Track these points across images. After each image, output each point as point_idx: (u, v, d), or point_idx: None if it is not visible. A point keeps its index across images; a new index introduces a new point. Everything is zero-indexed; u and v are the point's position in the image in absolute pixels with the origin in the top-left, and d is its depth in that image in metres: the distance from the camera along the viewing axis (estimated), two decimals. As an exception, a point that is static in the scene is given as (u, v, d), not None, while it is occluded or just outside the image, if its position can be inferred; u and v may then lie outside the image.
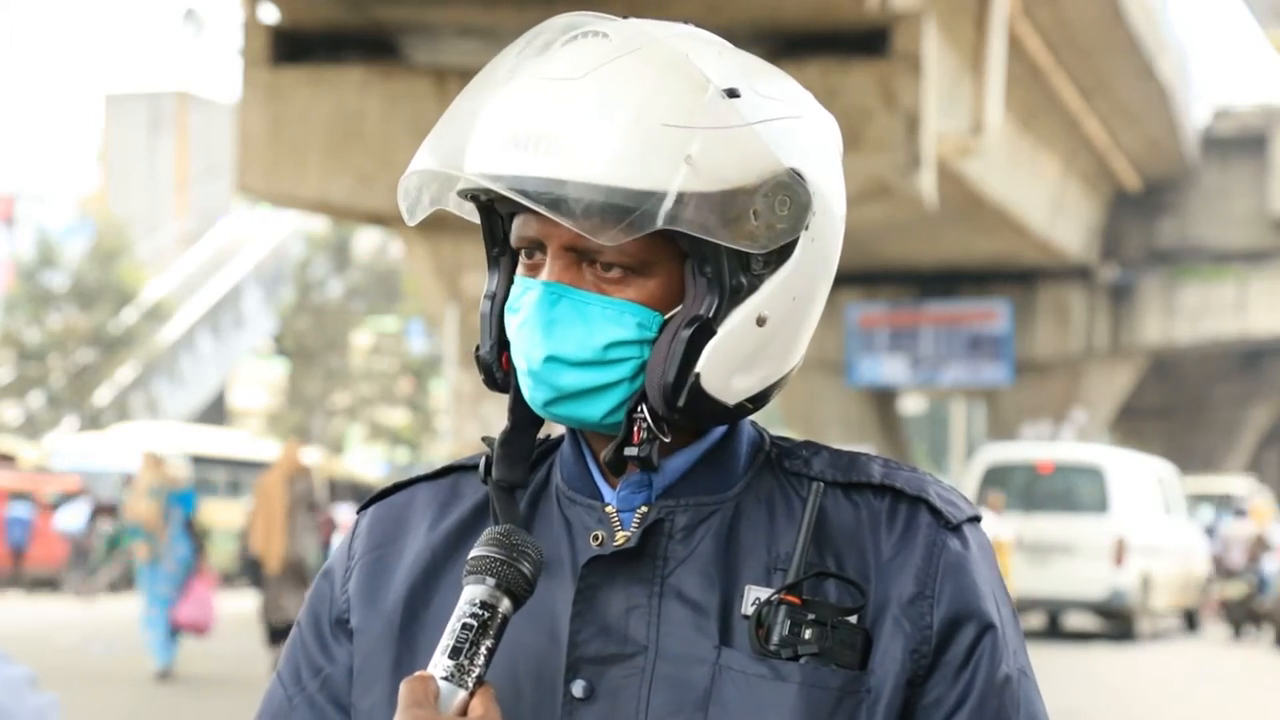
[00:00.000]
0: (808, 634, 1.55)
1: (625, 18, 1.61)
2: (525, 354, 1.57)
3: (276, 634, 16.08)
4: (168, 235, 50.94)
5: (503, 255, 1.64)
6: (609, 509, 1.62)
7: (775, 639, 1.55)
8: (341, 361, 48.10)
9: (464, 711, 1.49)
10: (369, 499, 1.74)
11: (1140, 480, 23.33)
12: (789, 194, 1.56)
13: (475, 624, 1.50)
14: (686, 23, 1.63)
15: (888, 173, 19.67)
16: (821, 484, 1.61)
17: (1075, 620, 23.39)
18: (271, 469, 17.04)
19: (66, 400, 43.10)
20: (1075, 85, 30.21)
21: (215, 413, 46.73)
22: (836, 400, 37.30)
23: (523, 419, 1.64)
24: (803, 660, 1.55)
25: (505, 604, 1.52)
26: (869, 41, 19.77)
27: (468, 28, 20.20)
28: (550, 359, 1.55)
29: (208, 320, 45.81)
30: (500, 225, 1.63)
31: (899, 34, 19.75)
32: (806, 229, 1.58)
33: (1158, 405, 46.82)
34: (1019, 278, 36.66)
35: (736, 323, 1.56)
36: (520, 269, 1.61)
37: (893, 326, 35.96)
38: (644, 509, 1.61)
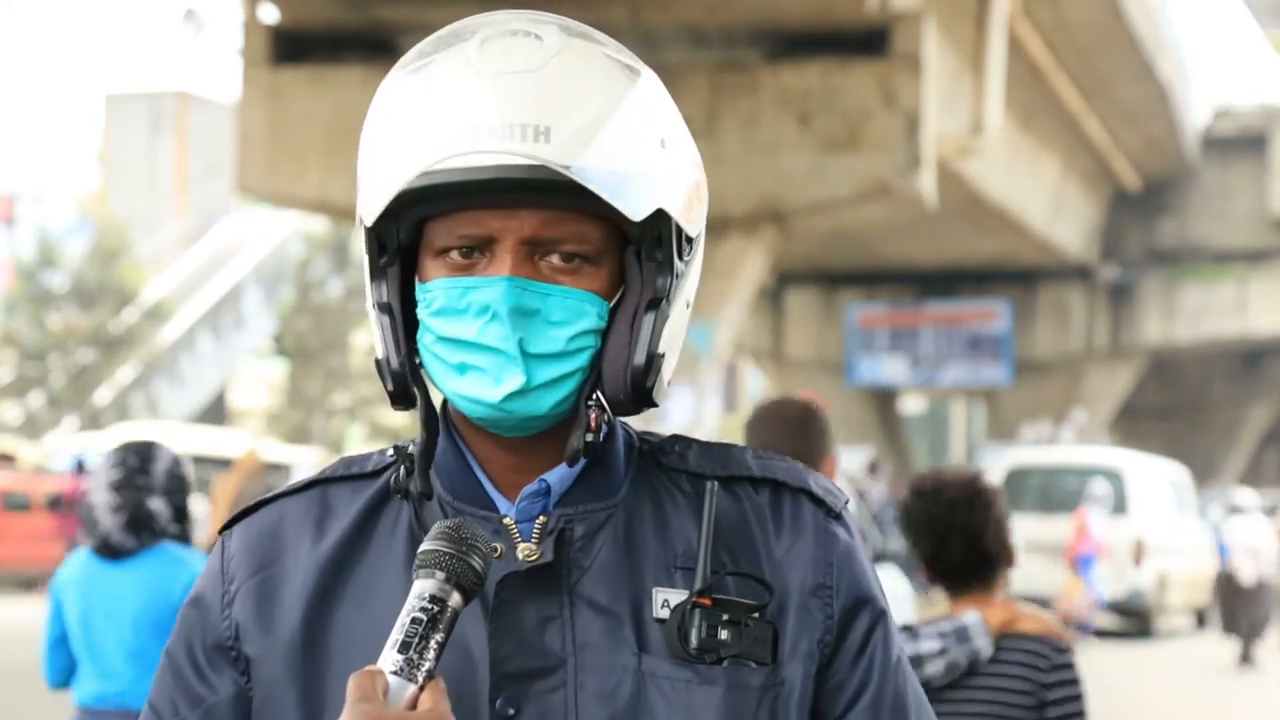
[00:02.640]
0: (724, 635, 1.56)
1: (562, 16, 1.61)
2: (485, 351, 1.55)
3: None
4: (168, 235, 50.93)
5: (390, 265, 1.60)
6: (506, 520, 1.59)
7: (694, 643, 1.55)
8: (341, 361, 48.06)
9: (414, 706, 1.47)
10: (230, 519, 1.68)
11: (1156, 483, 23.70)
12: (701, 178, 1.63)
13: (425, 618, 1.49)
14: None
15: (888, 173, 19.67)
16: (716, 482, 1.61)
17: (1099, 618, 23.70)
18: (231, 471, 18.97)
19: (66, 400, 43.08)
20: (1075, 85, 30.21)
21: (215, 413, 46.71)
22: (836, 400, 37.31)
23: (435, 428, 1.63)
24: (725, 662, 1.55)
25: (455, 598, 1.50)
26: (869, 41, 19.77)
27: (468, 28, 20.21)
28: (521, 354, 1.55)
29: (208, 320, 45.79)
30: (395, 234, 1.59)
31: (899, 34, 19.75)
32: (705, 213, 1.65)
33: (1158, 405, 46.80)
34: (1019, 278, 36.66)
35: (678, 305, 1.59)
36: (443, 270, 1.57)
37: (893, 326, 35.97)
38: (542, 519, 1.59)
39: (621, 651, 1.56)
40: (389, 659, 1.49)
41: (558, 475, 1.60)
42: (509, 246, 1.54)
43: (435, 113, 1.55)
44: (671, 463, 1.64)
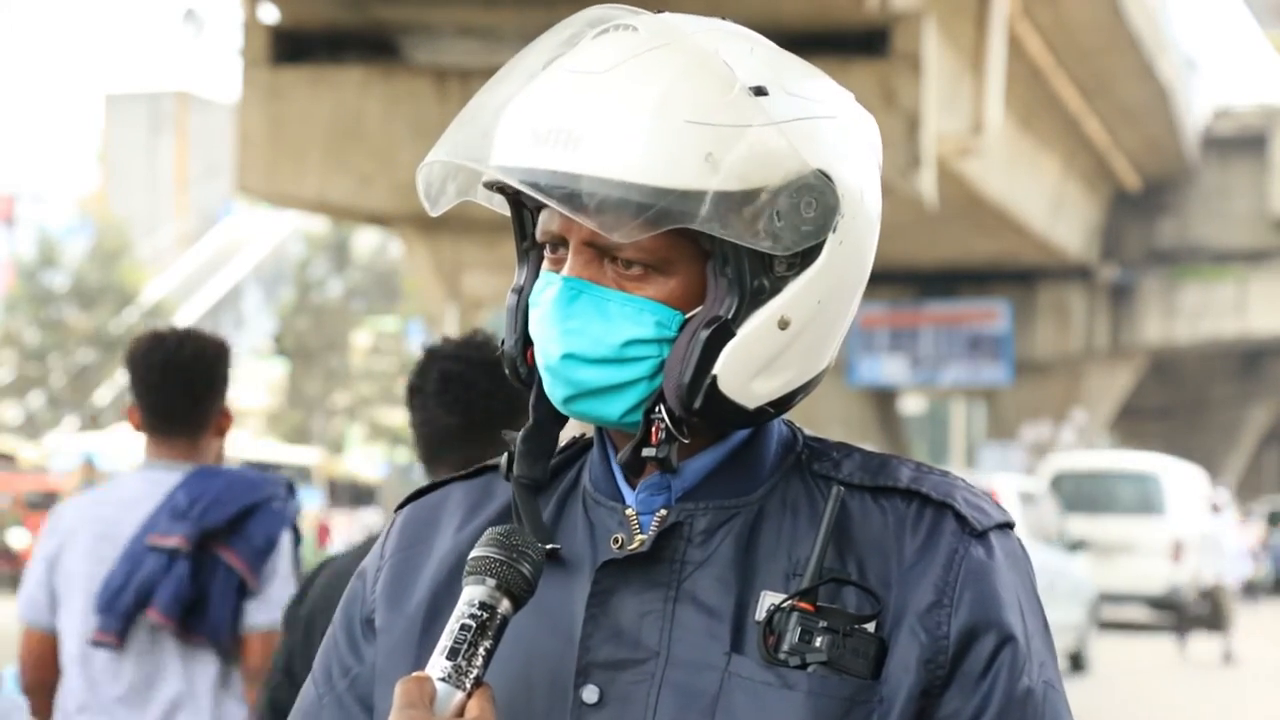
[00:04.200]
0: (818, 641, 1.51)
1: (659, 11, 1.59)
2: (543, 350, 1.54)
3: None
4: (168, 235, 50.95)
5: (532, 249, 1.60)
6: (629, 512, 1.58)
7: (785, 646, 1.52)
8: (341, 361, 48.09)
9: (460, 713, 1.46)
10: (406, 498, 1.71)
11: (1189, 485, 24.97)
12: (815, 196, 1.53)
13: (474, 625, 1.48)
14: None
15: (888, 173, 19.48)
16: (841, 488, 1.57)
17: (1130, 613, 24.41)
18: None
19: (66, 400, 43.10)
20: (1075, 85, 30.21)
21: (215, 413, 46.71)
22: (837, 400, 37.30)
23: (545, 416, 1.61)
24: (810, 668, 1.51)
25: (505, 605, 1.50)
26: (869, 41, 19.77)
27: (468, 28, 20.20)
28: (568, 355, 1.53)
29: (208, 320, 45.81)
30: (530, 218, 1.60)
31: (899, 34, 19.75)
32: (834, 232, 1.55)
33: (1158, 405, 46.82)
34: (1019, 278, 36.65)
35: (757, 325, 1.53)
36: (545, 263, 1.57)
37: (893, 326, 35.96)
38: (663, 512, 1.57)
39: (714, 650, 1.53)
40: (438, 665, 1.48)
41: (686, 469, 1.58)
42: (574, 247, 1.53)
43: (477, 107, 1.56)
44: (823, 470, 1.60)
